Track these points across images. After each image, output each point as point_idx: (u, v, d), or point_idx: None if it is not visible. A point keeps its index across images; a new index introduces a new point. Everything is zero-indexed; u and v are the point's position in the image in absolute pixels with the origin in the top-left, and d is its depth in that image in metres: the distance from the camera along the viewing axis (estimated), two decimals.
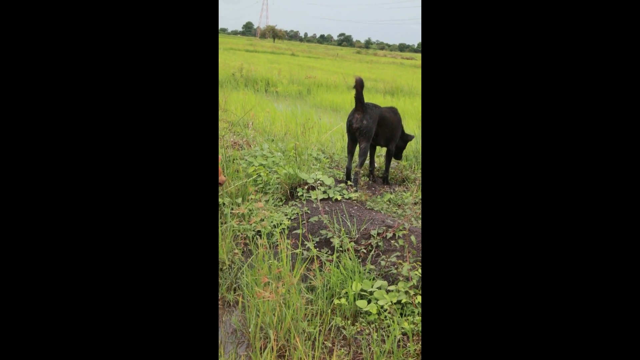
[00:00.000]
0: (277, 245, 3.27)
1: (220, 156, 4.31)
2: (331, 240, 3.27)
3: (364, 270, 2.91)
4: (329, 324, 2.60)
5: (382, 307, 2.63)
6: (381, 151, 5.32)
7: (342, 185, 4.15)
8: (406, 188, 4.55)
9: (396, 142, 4.55)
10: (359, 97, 4.07)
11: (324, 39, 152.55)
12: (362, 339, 2.48)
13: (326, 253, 3.21)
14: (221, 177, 3.71)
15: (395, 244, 3.13)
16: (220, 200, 3.83)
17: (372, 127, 4.13)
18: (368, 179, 4.67)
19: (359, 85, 4.05)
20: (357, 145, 4.23)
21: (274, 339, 2.40)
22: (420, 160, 5.27)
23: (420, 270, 2.78)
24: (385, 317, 2.57)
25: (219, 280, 3.11)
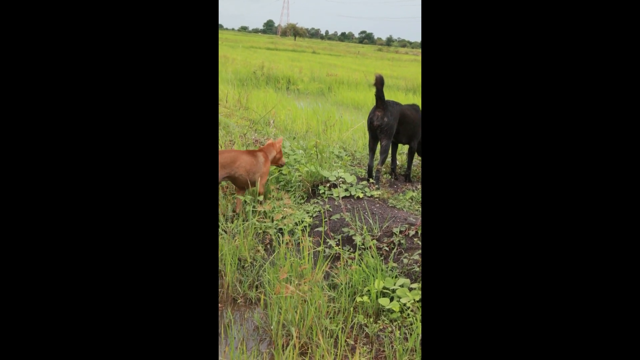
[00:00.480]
0: (299, 243, 3.27)
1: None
2: (353, 238, 3.26)
3: (386, 268, 2.90)
4: (351, 321, 2.60)
5: (404, 304, 2.62)
6: (403, 149, 5.29)
7: (364, 182, 4.14)
8: None
9: (418, 139, 4.53)
10: (379, 95, 4.05)
11: (345, 37, 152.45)
12: (385, 336, 2.47)
13: (348, 251, 3.20)
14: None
15: (418, 241, 3.11)
16: (242, 197, 3.84)
17: (393, 125, 4.11)
18: (390, 176, 4.65)
19: (379, 83, 4.03)
20: (379, 143, 4.21)
21: (296, 337, 2.40)
22: None
23: None
24: (408, 314, 2.56)
25: (241, 278, 3.12)
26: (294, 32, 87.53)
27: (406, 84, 14.02)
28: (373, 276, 2.79)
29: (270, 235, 3.46)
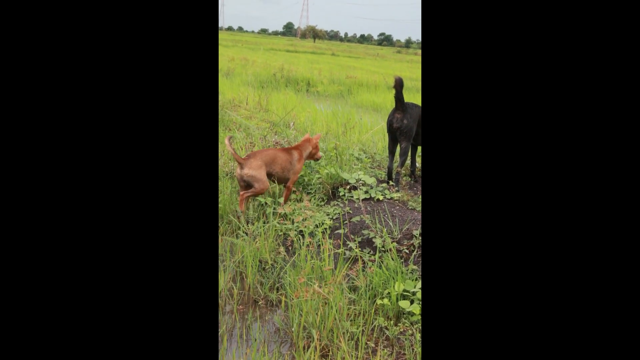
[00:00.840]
0: (320, 245, 3.28)
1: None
2: (373, 240, 3.26)
3: (407, 270, 2.90)
4: (372, 324, 2.60)
5: None
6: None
7: (384, 185, 4.14)
8: None
9: None
10: (398, 97, 4.04)
11: (364, 39, 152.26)
12: (405, 339, 2.47)
13: (368, 253, 3.21)
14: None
15: None
16: (262, 199, 3.87)
17: (412, 127, 4.10)
18: (410, 178, 4.64)
19: (399, 85, 4.02)
20: (398, 145, 4.20)
21: (317, 339, 2.41)
22: None
23: None
24: None
25: (262, 280, 3.14)
26: (313, 34, 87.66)
27: None
28: (393, 279, 2.79)
29: (291, 237, 3.47)
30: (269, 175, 3.99)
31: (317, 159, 4.38)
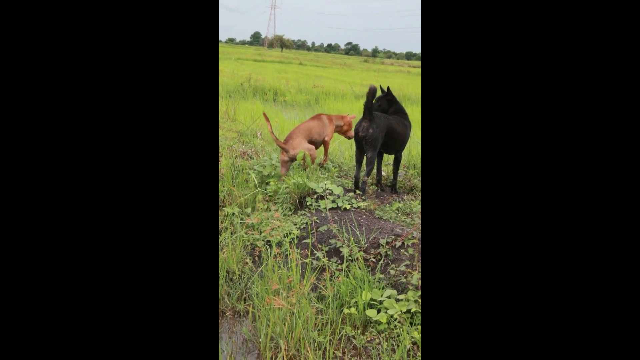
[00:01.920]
0: (287, 254, 3.28)
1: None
2: (340, 249, 3.28)
3: (374, 279, 2.92)
4: (339, 333, 2.61)
5: (391, 316, 2.64)
6: (389, 159, 5.33)
7: (351, 194, 4.16)
8: (414, 196, 4.55)
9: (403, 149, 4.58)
10: (367, 106, 4.04)
11: (331, 48, 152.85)
12: (372, 348, 2.49)
13: (336, 262, 3.22)
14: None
15: (405, 252, 3.14)
16: (230, 210, 3.86)
17: (378, 136, 4.11)
18: (377, 187, 4.68)
19: (371, 94, 4.03)
20: (365, 155, 4.23)
21: (285, 349, 2.41)
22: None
23: None
24: (395, 326, 2.58)
25: (230, 290, 3.13)
26: (281, 43, 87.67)
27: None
28: (360, 288, 2.81)
29: (259, 247, 3.47)
30: (313, 142, 4.79)
31: (349, 137, 5.15)
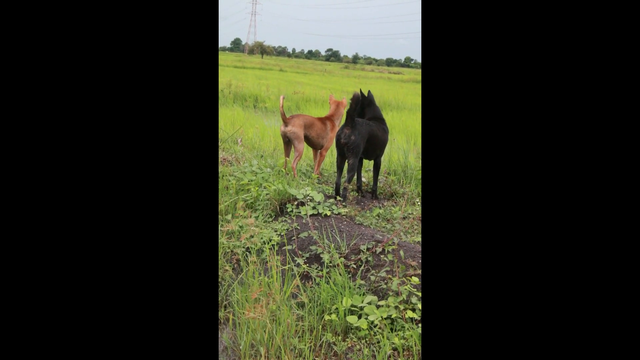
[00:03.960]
0: (267, 261, 3.27)
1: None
2: (321, 255, 3.28)
3: (354, 285, 2.92)
4: (320, 340, 2.61)
5: (372, 322, 2.64)
6: (369, 165, 5.35)
7: (332, 200, 4.17)
8: (395, 202, 4.57)
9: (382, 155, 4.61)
10: (350, 112, 4.06)
11: (311, 55, 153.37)
12: (353, 354, 2.49)
13: (316, 269, 3.22)
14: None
15: (385, 258, 3.14)
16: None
17: (360, 144, 4.13)
18: (357, 193, 4.69)
19: (354, 101, 4.04)
20: (346, 161, 4.24)
21: (265, 356, 2.40)
22: (409, 174, 5.31)
23: (409, 286, 2.79)
24: (376, 332, 2.58)
25: None
26: (261, 50, 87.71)
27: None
28: (341, 294, 2.81)
29: (238, 254, 3.45)
30: (307, 139, 4.87)
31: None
